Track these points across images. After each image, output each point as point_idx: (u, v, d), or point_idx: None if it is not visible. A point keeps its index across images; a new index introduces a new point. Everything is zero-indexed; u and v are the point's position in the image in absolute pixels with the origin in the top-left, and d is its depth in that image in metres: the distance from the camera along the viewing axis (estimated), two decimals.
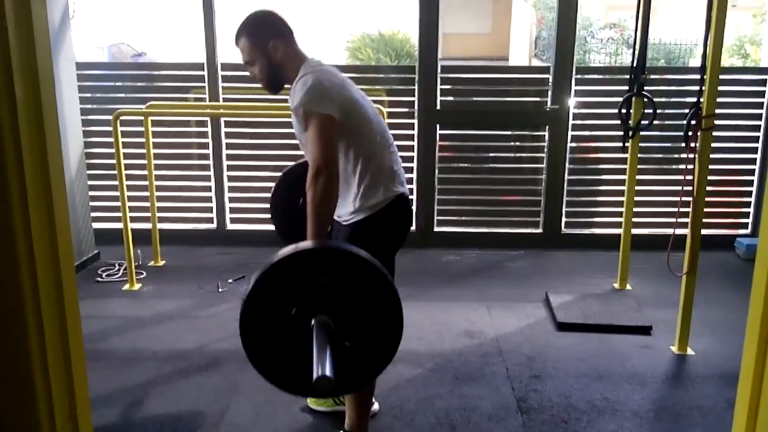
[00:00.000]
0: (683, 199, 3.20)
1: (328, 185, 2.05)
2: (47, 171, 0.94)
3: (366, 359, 1.79)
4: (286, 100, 4.74)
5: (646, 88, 3.79)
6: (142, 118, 4.25)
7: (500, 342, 3.38)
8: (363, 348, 1.78)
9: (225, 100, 4.76)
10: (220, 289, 4.09)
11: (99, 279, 4.24)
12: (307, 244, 1.89)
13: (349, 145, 2.24)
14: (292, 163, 2.70)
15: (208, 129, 4.83)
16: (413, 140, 4.82)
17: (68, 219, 1.02)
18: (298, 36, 2.35)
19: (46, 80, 0.94)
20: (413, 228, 4.87)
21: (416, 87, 4.75)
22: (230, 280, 4.20)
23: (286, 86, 2.35)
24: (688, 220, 3.16)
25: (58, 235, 0.97)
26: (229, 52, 5.07)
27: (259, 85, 2.36)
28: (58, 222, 0.96)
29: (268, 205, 2.72)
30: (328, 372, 1.53)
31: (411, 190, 4.86)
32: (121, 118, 3.93)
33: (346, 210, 2.30)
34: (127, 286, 4.10)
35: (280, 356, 1.77)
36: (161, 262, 4.51)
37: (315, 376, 1.52)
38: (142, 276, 4.27)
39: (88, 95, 4.80)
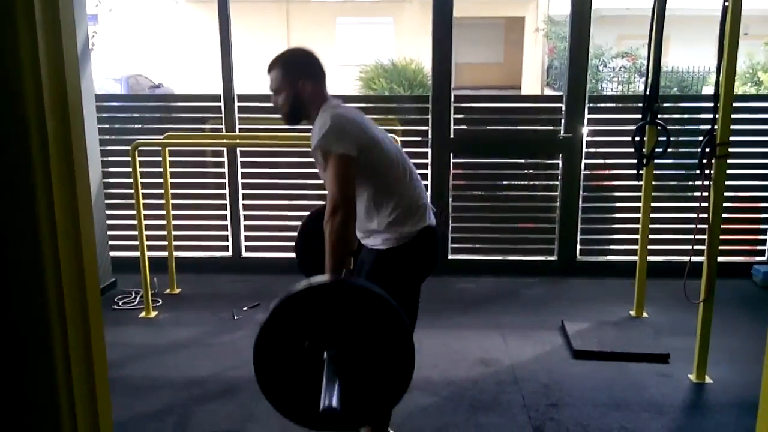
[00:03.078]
0: (699, 226, 3.19)
1: (344, 221, 2.09)
2: (75, 201, 0.97)
3: (376, 394, 1.81)
4: (302, 130, 4.79)
5: (659, 116, 3.80)
6: (160, 148, 4.32)
7: (516, 370, 3.37)
8: (373, 383, 1.79)
9: (241, 130, 4.83)
10: (235, 317, 4.10)
11: (116, 307, 4.27)
12: (322, 278, 1.93)
13: (373, 181, 2.29)
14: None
15: (225, 159, 4.89)
16: (427, 169, 4.84)
17: (95, 249, 1.05)
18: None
19: (75, 114, 0.98)
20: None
21: (430, 116, 4.79)
22: (245, 308, 4.22)
23: (302, 123, 2.40)
24: (704, 247, 3.15)
25: (84, 263, 0.99)
26: (246, 83, 5.17)
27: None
28: (85, 251, 0.99)
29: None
30: (335, 404, 1.55)
31: None
32: (140, 148, 4.00)
33: (373, 240, 2.34)
34: (143, 314, 4.13)
35: (290, 387, 1.80)
36: (177, 290, 4.54)
37: (322, 407, 1.54)
38: (158, 304, 4.30)
39: (107, 126, 4.88)
